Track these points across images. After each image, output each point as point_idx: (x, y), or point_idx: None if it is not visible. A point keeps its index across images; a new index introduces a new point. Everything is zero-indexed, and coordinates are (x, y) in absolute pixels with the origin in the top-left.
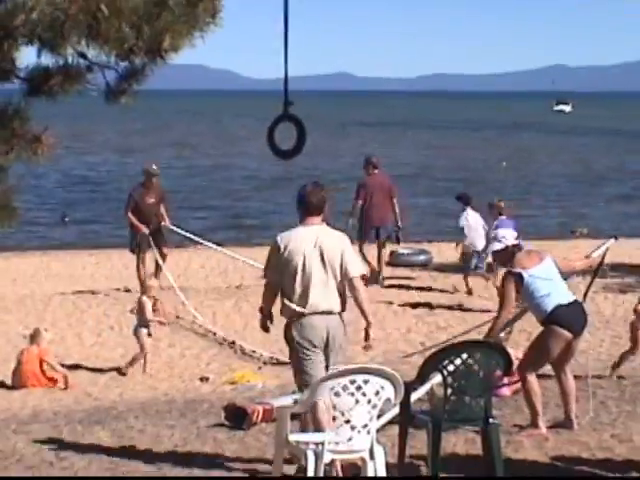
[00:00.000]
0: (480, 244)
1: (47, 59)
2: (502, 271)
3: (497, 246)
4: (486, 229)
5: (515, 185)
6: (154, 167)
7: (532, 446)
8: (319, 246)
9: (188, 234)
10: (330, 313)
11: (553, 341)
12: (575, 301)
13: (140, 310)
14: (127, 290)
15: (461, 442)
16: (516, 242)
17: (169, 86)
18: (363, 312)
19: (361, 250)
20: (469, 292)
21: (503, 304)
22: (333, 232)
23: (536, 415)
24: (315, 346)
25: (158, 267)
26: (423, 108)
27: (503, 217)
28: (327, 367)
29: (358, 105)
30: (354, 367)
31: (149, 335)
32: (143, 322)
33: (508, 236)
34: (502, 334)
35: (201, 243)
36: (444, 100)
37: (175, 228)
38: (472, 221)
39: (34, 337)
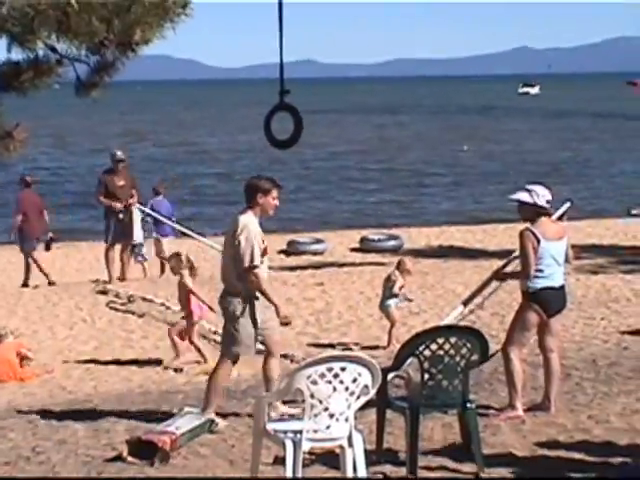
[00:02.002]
0: (139, 236)
1: (17, 54)
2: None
3: (526, 197)
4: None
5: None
6: (119, 153)
7: (510, 429)
8: None
9: (158, 215)
10: None
11: (529, 315)
12: (563, 285)
13: (390, 284)
14: (97, 282)
15: (438, 427)
16: (546, 206)
17: (133, 77)
18: None
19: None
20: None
21: (525, 262)
22: None
23: (514, 396)
24: None
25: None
26: (386, 94)
27: (159, 198)
28: None
29: (323, 92)
30: (331, 355)
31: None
32: (390, 295)
33: (541, 195)
34: (469, 308)
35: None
36: (408, 85)
37: (144, 208)
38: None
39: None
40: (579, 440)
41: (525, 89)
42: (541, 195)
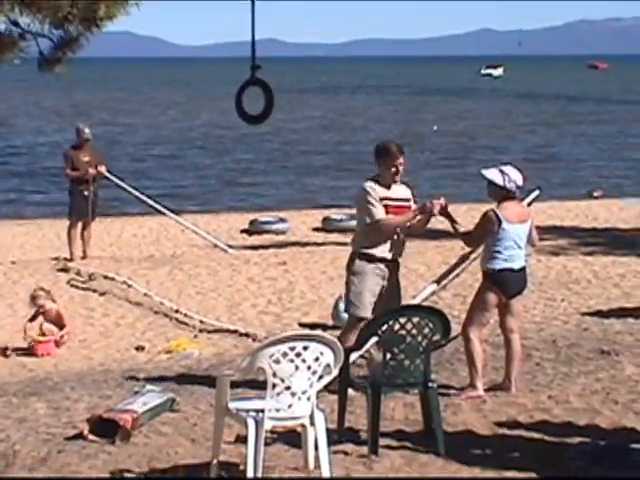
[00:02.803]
0: None
1: None
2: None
3: (497, 178)
4: None
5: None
6: (87, 130)
7: (470, 409)
8: None
9: (125, 185)
10: None
11: (488, 296)
12: (523, 267)
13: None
14: (58, 259)
15: (400, 406)
16: (515, 191)
17: (95, 54)
18: None
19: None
20: None
21: (476, 236)
22: None
23: (475, 376)
24: None
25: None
26: (351, 74)
27: None
28: None
29: (286, 72)
30: (293, 334)
31: None
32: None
33: (513, 179)
34: (432, 288)
35: (137, 197)
36: (373, 65)
37: (111, 176)
38: None
39: None
40: (539, 420)
41: (488, 71)
42: (512, 179)
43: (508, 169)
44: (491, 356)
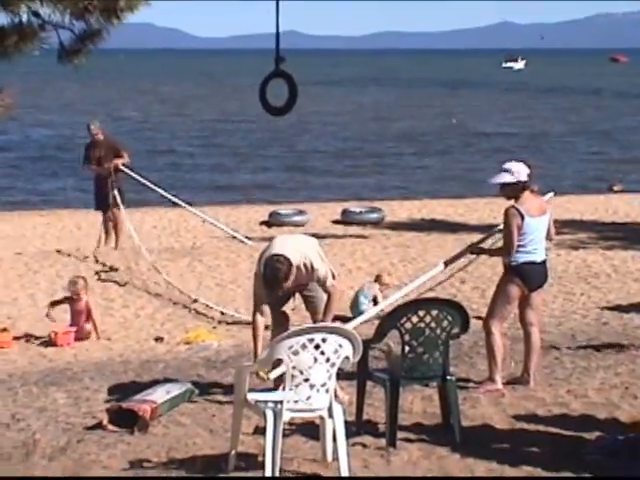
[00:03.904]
0: None
1: (1, 19)
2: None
3: (508, 178)
4: None
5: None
6: (92, 126)
7: (489, 402)
8: None
9: (141, 178)
10: None
11: (511, 289)
12: (545, 260)
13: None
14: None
15: (418, 399)
16: (528, 179)
17: (115, 45)
18: None
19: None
20: None
21: (509, 240)
22: None
23: (494, 369)
24: None
25: (112, 230)
26: (370, 66)
27: None
28: None
29: (306, 64)
30: (313, 326)
31: None
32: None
33: (522, 171)
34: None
35: (155, 190)
36: (392, 58)
37: (127, 170)
38: None
39: None
40: (557, 414)
41: (509, 64)
42: (522, 171)
43: (511, 165)
44: (510, 350)
